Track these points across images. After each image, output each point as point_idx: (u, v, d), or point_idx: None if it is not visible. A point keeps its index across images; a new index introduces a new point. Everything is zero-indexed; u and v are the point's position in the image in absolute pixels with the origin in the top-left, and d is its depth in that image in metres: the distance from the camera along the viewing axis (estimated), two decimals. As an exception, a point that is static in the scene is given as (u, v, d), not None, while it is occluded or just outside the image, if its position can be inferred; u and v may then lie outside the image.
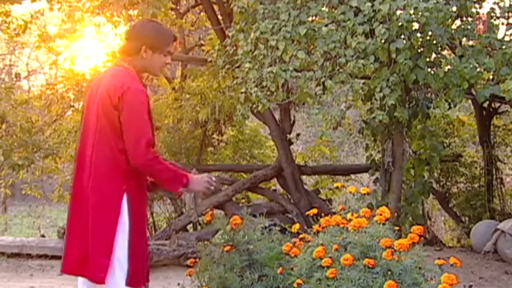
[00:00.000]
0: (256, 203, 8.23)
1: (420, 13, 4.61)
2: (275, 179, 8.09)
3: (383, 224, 2.83)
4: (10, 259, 6.60)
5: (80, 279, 3.03)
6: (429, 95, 5.48)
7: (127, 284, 2.88)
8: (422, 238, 2.78)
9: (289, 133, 7.77)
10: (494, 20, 5.21)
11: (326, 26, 4.93)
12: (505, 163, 8.95)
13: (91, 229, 2.91)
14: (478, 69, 4.90)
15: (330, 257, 2.73)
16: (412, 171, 6.17)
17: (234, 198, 7.83)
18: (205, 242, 5.36)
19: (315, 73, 4.96)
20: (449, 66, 5.06)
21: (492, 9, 5.25)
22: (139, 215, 2.97)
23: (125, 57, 3.09)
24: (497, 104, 8.10)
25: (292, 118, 7.89)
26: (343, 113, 5.41)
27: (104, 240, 2.89)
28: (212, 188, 3.07)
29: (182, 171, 3.03)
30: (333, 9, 5.09)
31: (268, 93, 5.20)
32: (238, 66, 5.51)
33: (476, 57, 4.93)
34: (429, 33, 4.91)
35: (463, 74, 4.84)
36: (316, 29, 4.92)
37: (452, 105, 5.49)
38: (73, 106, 8.13)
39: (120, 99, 2.90)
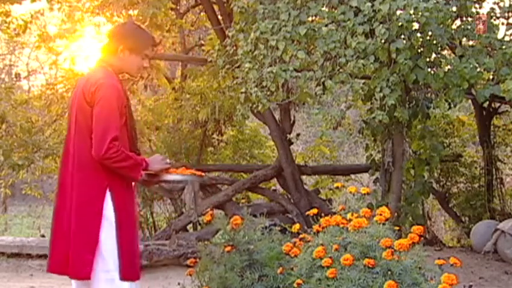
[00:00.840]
0: (256, 203, 8.23)
1: (420, 13, 4.61)
2: (275, 179, 8.09)
3: (383, 224, 2.83)
4: (10, 259, 6.60)
5: (73, 281, 3.07)
6: (429, 95, 5.48)
7: (121, 278, 2.89)
8: (422, 238, 2.78)
9: (289, 133, 7.77)
10: (494, 20, 5.21)
11: (326, 26, 4.93)
12: (505, 163, 8.95)
13: (74, 226, 2.93)
14: (478, 69, 4.90)
15: (330, 257, 2.73)
16: (412, 171, 6.17)
17: (234, 198, 7.83)
18: (205, 242, 5.36)
19: (315, 73, 4.96)
20: (449, 66, 5.06)
21: (492, 9, 5.25)
22: (126, 210, 2.98)
23: (104, 56, 3.15)
24: (497, 104, 8.10)
25: (292, 118, 7.89)
26: (343, 113, 5.41)
27: (88, 236, 2.91)
28: (166, 165, 3.10)
29: (139, 157, 3.05)
30: (333, 9, 5.09)
31: (268, 93, 5.20)
32: (238, 66, 5.51)
33: (476, 57, 4.93)
34: (429, 33, 4.91)
35: (463, 74, 4.84)
36: (316, 29, 4.92)
37: (452, 105, 5.49)
38: (73, 106, 8.13)
39: (93, 94, 2.95)
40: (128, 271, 2.93)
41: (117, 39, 3.13)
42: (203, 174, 3.41)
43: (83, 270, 2.93)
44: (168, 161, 3.16)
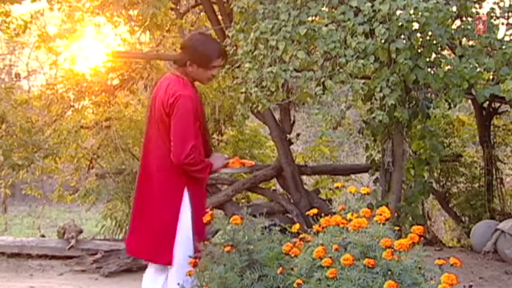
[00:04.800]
0: (256, 203, 8.22)
1: (420, 13, 4.61)
2: (275, 179, 8.08)
3: (383, 224, 2.82)
4: (10, 259, 6.60)
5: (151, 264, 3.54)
6: (429, 95, 5.48)
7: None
8: (422, 238, 2.78)
9: (289, 133, 7.76)
10: (494, 20, 5.21)
11: (326, 26, 4.93)
12: (505, 163, 8.95)
13: (156, 218, 3.42)
14: (478, 69, 4.90)
15: (330, 257, 2.73)
16: (412, 171, 6.17)
17: (234, 198, 7.83)
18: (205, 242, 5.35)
19: (315, 73, 4.96)
20: (449, 66, 5.05)
21: (492, 9, 5.25)
22: (201, 205, 3.41)
23: (179, 66, 3.47)
24: (497, 104, 8.10)
25: (292, 118, 7.89)
26: (343, 113, 5.40)
27: (168, 227, 3.38)
28: (226, 161, 3.56)
29: (206, 160, 3.46)
30: (333, 9, 5.09)
31: (268, 93, 5.19)
32: (238, 66, 5.51)
33: (476, 57, 4.93)
34: (429, 33, 4.91)
35: (463, 74, 4.84)
36: (316, 29, 4.92)
37: (452, 105, 5.49)
38: (73, 106, 8.14)
39: (171, 105, 3.30)
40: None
41: (186, 53, 3.43)
42: (252, 163, 3.90)
43: (164, 258, 3.42)
44: (226, 156, 3.65)
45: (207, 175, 3.46)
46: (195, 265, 3.28)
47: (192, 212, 3.41)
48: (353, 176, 9.35)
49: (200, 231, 3.45)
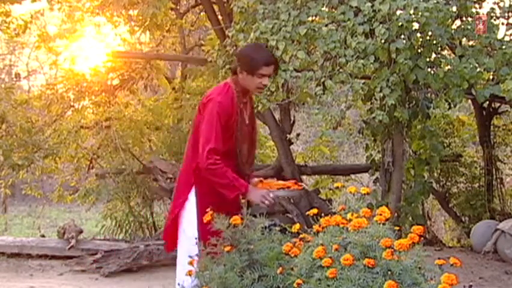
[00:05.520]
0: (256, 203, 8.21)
1: (420, 13, 4.61)
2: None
3: (383, 224, 2.82)
4: (10, 259, 6.60)
5: None
6: (429, 95, 5.48)
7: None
8: (422, 238, 2.77)
9: (289, 133, 7.76)
10: (494, 20, 5.21)
11: (326, 26, 4.93)
12: (505, 163, 8.95)
13: (170, 209, 3.64)
14: (478, 69, 4.90)
15: (330, 257, 2.73)
16: (412, 171, 6.17)
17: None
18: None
19: (315, 73, 4.96)
20: (449, 66, 5.05)
21: (492, 9, 5.25)
22: (207, 207, 3.29)
23: (232, 74, 3.55)
24: (497, 104, 8.10)
25: (292, 118, 7.89)
26: (343, 113, 5.42)
27: (175, 218, 3.51)
28: (267, 202, 3.43)
29: (242, 181, 3.42)
30: (333, 9, 5.09)
31: (268, 93, 5.20)
32: (238, 66, 5.50)
33: (476, 57, 4.93)
34: (429, 33, 4.91)
35: (463, 74, 4.84)
36: (316, 29, 4.92)
37: (452, 105, 5.49)
38: (73, 106, 8.15)
39: (204, 106, 3.42)
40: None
41: (237, 60, 3.50)
42: (300, 186, 3.80)
43: (167, 244, 3.69)
44: (271, 195, 3.45)
45: (232, 195, 3.41)
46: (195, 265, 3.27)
47: (198, 211, 3.43)
48: (353, 176, 9.35)
49: (205, 232, 3.40)
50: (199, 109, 3.50)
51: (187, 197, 3.47)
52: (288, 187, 3.71)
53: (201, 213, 3.35)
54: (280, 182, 3.84)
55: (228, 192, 3.39)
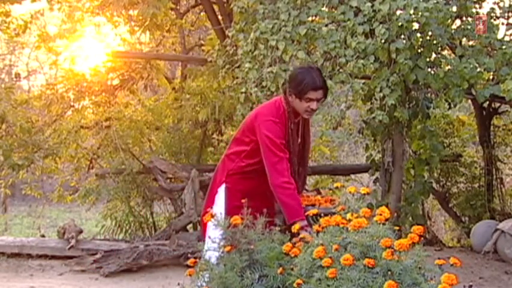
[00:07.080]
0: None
1: (420, 13, 4.61)
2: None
3: (383, 224, 2.82)
4: (10, 259, 6.59)
5: None
6: (429, 95, 5.48)
7: None
8: (422, 238, 2.77)
9: (289, 133, 7.74)
10: (494, 20, 5.21)
11: (326, 26, 4.93)
12: (505, 163, 8.94)
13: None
14: (478, 69, 4.90)
15: (330, 257, 2.73)
16: (412, 171, 6.17)
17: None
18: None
19: (315, 73, 4.95)
20: (449, 66, 5.06)
21: (492, 9, 5.26)
22: (235, 207, 3.38)
23: (283, 93, 3.54)
24: (497, 104, 8.10)
25: (292, 118, 7.86)
26: (343, 113, 5.41)
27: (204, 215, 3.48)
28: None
29: (303, 211, 3.35)
30: (333, 9, 5.09)
31: (268, 93, 5.20)
32: (238, 66, 5.52)
33: (476, 57, 4.93)
34: (429, 33, 4.91)
35: (463, 74, 4.84)
36: (316, 29, 4.93)
37: (452, 105, 5.50)
38: (73, 106, 8.14)
39: (251, 121, 3.48)
40: None
41: (288, 82, 3.49)
42: (333, 202, 3.77)
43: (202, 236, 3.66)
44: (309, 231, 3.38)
45: (290, 220, 3.35)
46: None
47: (226, 208, 3.49)
48: (353, 176, 9.34)
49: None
50: (246, 118, 3.60)
51: (214, 194, 3.59)
52: (320, 204, 3.70)
53: (228, 211, 3.43)
54: (312, 196, 3.84)
55: (289, 215, 3.37)
